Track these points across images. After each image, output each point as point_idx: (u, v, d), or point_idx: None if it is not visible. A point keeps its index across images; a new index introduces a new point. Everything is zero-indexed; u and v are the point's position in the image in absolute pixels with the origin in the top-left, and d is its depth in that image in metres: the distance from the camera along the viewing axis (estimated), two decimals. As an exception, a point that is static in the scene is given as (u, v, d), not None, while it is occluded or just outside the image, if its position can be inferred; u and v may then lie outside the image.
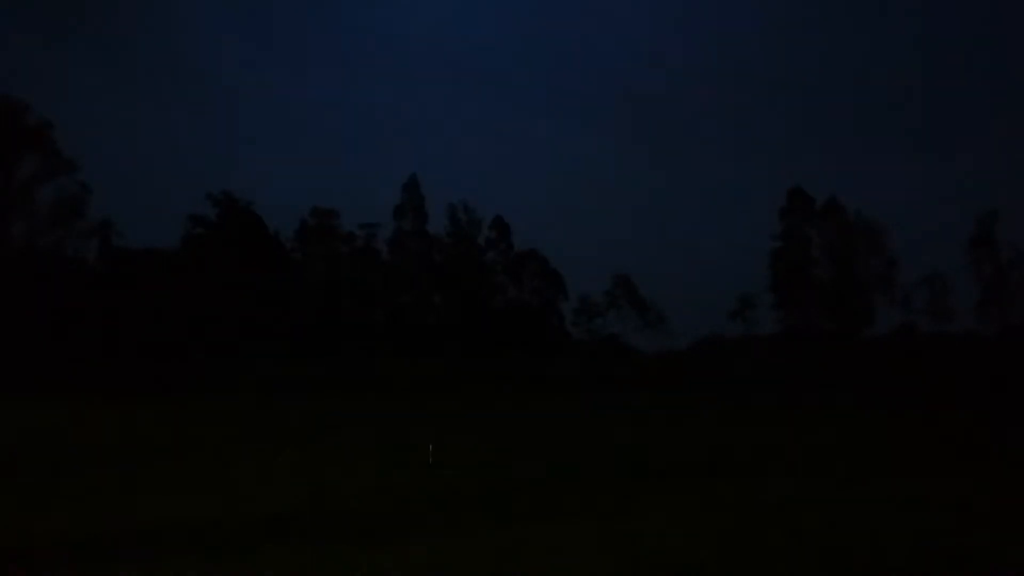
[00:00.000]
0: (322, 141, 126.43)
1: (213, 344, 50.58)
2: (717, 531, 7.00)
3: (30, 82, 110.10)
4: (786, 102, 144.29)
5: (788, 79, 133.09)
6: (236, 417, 22.47)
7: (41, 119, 57.62)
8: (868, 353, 57.28)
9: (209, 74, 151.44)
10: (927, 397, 30.03)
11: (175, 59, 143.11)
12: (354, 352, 54.19)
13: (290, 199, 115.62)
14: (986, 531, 7.02)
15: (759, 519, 7.49)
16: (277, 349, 50.25)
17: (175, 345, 48.97)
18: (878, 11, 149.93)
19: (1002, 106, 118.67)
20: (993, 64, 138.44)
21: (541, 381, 42.68)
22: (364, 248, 71.38)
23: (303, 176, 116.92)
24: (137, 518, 7.69)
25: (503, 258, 74.02)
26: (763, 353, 59.80)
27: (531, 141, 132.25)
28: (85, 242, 60.00)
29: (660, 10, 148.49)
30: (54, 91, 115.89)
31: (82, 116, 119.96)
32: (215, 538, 6.82)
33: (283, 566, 5.92)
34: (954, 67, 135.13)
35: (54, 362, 41.50)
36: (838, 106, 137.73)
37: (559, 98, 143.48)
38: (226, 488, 9.49)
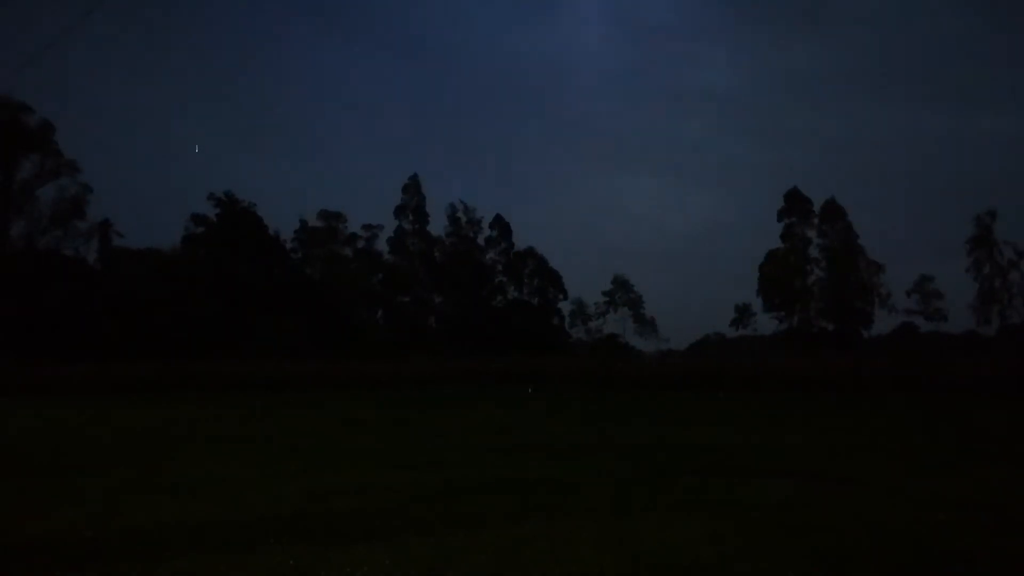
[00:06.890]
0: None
1: (213, 344, 50.56)
2: (717, 532, 6.99)
3: (31, 81, 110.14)
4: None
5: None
6: (236, 417, 22.49)
7: (42, 119, 57.80)
8: (868, 353, 57.26)
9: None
10: (927, 396, 30.03)
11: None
12: (354, 352, 54.16)
13: (291, 199, 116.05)
14: (987, 530, 7.02)
15: (760, 520, 7.48)
16: (277, 349, 50.22)
17: (175, 345, 48.93)
18: None
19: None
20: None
21: (541, 380, 42.71)
22: (365, 248, 71.49)
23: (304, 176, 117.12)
24: (137, 518, 7.69)
25: (503, 257, 74.13)
26: (763, 353, 59.82)
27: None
28: (85, 242, 60.26)
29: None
30: (54, 91, 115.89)
31: (82, 116, 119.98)
32: (215, 538, 6.82)
33: (283, 566, 5.91)
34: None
35: (53, 362, 41.52)
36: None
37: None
38: (226, 488, 9.49)
